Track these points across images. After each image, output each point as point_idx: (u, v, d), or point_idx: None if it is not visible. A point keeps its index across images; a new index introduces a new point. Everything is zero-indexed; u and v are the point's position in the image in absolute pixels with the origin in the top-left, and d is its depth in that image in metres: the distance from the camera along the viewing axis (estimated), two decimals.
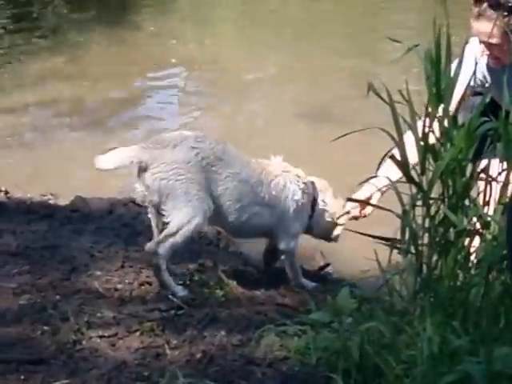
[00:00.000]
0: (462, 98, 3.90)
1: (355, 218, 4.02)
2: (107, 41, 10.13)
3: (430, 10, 3.02)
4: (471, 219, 2.75)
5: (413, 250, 2.87)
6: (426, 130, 2.79)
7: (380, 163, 2.90)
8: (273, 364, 2.94)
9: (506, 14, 3.51)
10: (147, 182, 3.58)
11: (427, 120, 2.79)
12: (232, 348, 3.09)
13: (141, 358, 3.01)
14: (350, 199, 3.82)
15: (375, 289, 3.19)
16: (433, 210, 2.85)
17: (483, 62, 3.81)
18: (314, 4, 12.52)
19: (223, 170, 3.68)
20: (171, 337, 3.17)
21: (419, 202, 2.90)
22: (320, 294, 4.04)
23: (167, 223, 3.63)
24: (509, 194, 2.80)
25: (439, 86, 2.80)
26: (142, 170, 3.58)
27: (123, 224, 4.95)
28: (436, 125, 2.87)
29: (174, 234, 3.59)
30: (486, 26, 3.57)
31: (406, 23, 10.86)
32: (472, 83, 3.82)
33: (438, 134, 2.86)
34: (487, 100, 3.00)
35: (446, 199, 2.81)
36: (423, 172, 2.80)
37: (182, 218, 3.58)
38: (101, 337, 3.11)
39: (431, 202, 2.83)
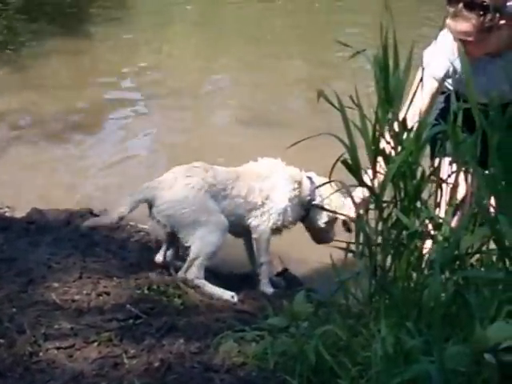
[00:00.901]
0: (436, 93, 4.00)
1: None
2: (63, 51, 10.04)
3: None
4: (423, 221, 2.78)
5: (367, 253, 2.89)
6: (376, 134, 2.81)
7: (333, 167, 2.92)
8: (231, 370, 2.95)
9: (481, 13, 3.59)
10: (156, 217, 4.04)
11: (377, 125, 2.80)
12: (190, 355, 3.09)
13: (98, 369, 2.99)
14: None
15: (331, 292, 3.21)
16: (386, 213, 2.89)
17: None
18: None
19: (217, 192, 4.07)
20: (129, 346, 3.16)
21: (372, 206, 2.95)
22: (278, 299, 4.07)
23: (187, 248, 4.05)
24: (459, 195, 2.85)
25: (388, 90, 2.83)
26: (150, 206, 4.04)
27: (81, 235, 4.91)
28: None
29: (197, 259, 3.99)
30: (462, 25, 3.67)
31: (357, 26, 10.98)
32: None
33: (388, 137, 2.90)
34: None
35: (398, 202, 2.84)
36: (374, 176, 2.83)
37: (199, 244, 3.98)
38: (58, 348, 3.09)
39: (384, 205, 2.86)
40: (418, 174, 2.84)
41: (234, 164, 4.34)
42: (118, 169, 6.59)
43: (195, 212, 3.96)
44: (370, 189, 2.84)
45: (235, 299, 3.99)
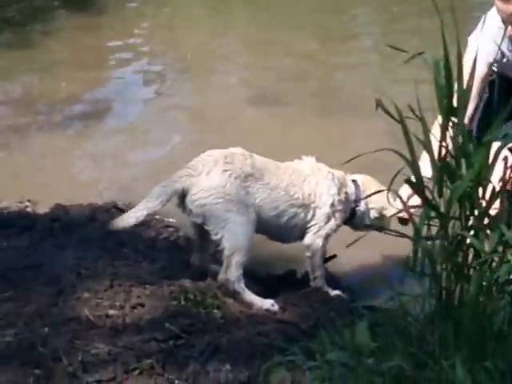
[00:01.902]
0: (486, 78, 3.79)
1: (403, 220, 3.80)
2: (72, 27, 9.75)
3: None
4: (495, 245, 2.54)
5: (429, 273, 2.67)
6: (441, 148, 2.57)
7: (392, 180, 2.68)
8: None
9: None
10: (189, 207, 3.76)
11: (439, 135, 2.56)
12: None
13: None
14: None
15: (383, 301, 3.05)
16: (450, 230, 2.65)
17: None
18: None
19: (255, 183, 3.82)
20: (173, 374, 2.96)
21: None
22: (321, 305, 3.88)
23: (217, 244, 3.81)
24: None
25: (451, 98, 2.59)
26: (182, 196, 3.77)
27: (107, 233, 4.69)
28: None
29: (232, 255, 3.73)
30: None
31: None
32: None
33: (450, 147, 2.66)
34: None
35: (464, 220, 2.61)
36: (440, 194, 2.59)
37: (231, 238, 3.73)
38: (98, 382, 2.89)
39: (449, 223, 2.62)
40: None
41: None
42: (139, 157, 6.34)
43: (229, 202, 3.71)
44: (435, 208, 2.60)
45: (276, 308, 3.78)
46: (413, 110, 2.58)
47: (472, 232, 2.58)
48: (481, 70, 3.69)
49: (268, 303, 3.78)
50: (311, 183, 3.97)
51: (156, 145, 6.58)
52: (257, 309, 3.74)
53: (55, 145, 6.48)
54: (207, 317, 3.52)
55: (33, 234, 4.64)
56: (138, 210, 3.80)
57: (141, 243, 4.58)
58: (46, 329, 3.32)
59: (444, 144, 2.55)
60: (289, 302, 3.90)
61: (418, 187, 2.55)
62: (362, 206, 4.11)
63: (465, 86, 2.65)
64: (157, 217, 5.07)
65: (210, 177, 3.71)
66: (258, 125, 6.67)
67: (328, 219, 3.99)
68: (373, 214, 4.14)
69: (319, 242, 4.00)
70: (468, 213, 2.56)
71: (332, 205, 3.98)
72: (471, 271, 2.61)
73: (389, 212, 4.00)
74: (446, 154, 2.55)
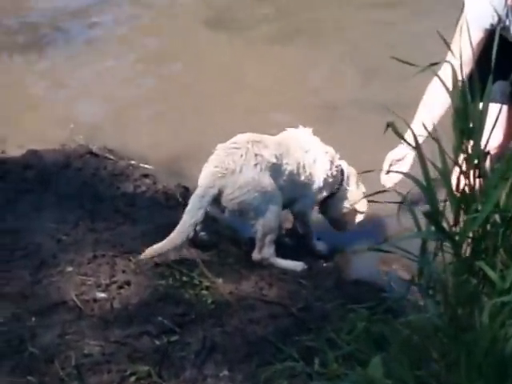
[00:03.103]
0: (481, 43, 3.67)
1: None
2: None
3: None
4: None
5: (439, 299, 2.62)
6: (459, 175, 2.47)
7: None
8: None
9: None
10: (225, 205, 3.76)
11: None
12: None
13: None
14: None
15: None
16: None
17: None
18: None
19: (278, 170, 3.84)
20: (170, 381, 2.90)
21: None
22: (307, 281, 3.83)
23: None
24: None
25: (467, 121, 2.47)
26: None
27: (83, 183, 4.59)
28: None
29: (265, 237, 3.83)
30: None
31: None
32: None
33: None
34: None
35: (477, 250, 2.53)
36: (456, 225, 2.51)
37: (266, 224, 3.80)
38: None
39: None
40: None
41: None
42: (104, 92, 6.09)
43: (264, 194, 3.76)
44: (450, 237, 2.52)
45: (304, 266, 3.95)
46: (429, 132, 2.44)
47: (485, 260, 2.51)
48: (475, 36, 3.59)
49: (299, 266, 3.93)
50: (310, 159, 4.00)
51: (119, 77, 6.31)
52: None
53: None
54: (198, 302, 3.44)
55: (7, 184, 4.47)
56: (183, 229, 3.67)
57: (119, 199, 4.45)
58: (33, 318, 3.22)
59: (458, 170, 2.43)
60: (275, 276, 3.85)
61: (436, 222, 2.44)
62: (340, 192, 4.19)
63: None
64: (133, 162, 4.95)
65: (243, 173, 3.71)
66: (211, 48, 6.51)
67: (319, 191, 4.10)
68: (345, 204, 4.21)
69: (310, 206, 4.17)
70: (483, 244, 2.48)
71: (325, 179, 4.06)
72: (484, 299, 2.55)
73: (360, 208, 4.21)
74: (462, 186, 2.44)
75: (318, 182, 4.04)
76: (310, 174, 3.99)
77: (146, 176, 4.78)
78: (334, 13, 7.12)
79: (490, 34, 3.70)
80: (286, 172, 3.88)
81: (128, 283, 3.53)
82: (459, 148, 2.49)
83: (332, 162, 4.07)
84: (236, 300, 3.53)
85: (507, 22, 3.81)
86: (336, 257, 4.28)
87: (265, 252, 3.87)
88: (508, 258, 2.47)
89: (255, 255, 3.89)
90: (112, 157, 4.95)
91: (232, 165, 3.72)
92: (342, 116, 5.51)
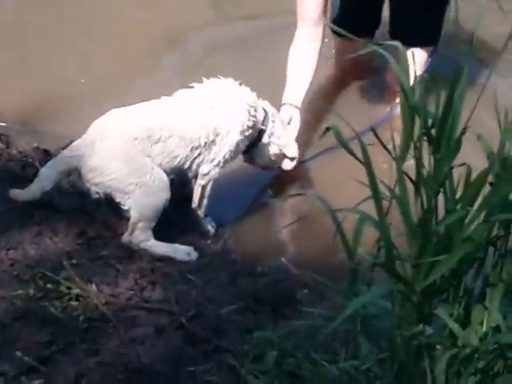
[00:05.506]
0: None
1: None
2: None
3: None
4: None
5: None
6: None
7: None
8: None
9: None
10: (86, 185, 3.38)
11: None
12: None
13: None
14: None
15: None
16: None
17: None
18: None
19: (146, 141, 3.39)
20: None
21: None
22: (198, 274, 3.25)
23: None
24: None
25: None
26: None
27: None
28: None
29: (137, 223, 3.40)
30: None
31: None
32: None
33: None
34: None
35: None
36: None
37: (135, 207, 3.39)
38: None
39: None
40: None
41: None
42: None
43: (126, 176, 3.34)
44: (405, 281, 1.96)
45: (193, 256, 3.44)
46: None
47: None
48: None
49: (183, 251, 3.44)
50: (217, 114, 3.51)
51: None
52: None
53: None
54: (66, 319, 2.79)
55: None
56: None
57: None
58: None
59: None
60: (158, 270, 3.23)
61: (388, 265, 1.87)
62: (265, 138, 3.75)
63: None
64: None
65: (99, 153, 3.34)
66: None
67: (231, 148, 3.56)
68: (273, 149, 3.80)
69: (217, 170, 3.60)
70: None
71: (240, 133, 3.57)
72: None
73: (289, 152, 3.84)
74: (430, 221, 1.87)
75: (230, 140, 3.53)
76: (216, 133, 3.49)
77: None
78: None
79: None
80: (165, 137, 3.40)
81: None
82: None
83: (249, 112, 3.58)
84: (113, 312, 2.91)
85: None
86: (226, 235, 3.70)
87: (135, 237, 3.39)
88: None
89: (124, 238, 3.41)
90: None
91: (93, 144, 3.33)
92: None
